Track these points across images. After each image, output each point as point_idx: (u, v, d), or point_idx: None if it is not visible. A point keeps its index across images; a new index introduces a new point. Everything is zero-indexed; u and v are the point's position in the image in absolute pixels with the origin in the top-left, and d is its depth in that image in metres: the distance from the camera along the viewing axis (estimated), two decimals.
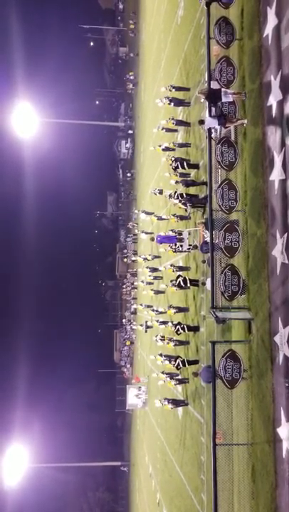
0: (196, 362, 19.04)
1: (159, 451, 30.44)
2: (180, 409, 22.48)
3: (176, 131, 25.50)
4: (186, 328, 19.72)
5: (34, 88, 66.68)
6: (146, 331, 36.91)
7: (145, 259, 36.83)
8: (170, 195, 21.32)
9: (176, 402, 22.22)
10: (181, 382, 21.80)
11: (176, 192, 20.60)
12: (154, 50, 39.84)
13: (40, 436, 61.04)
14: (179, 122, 23.44)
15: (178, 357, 20.82)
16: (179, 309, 22.16)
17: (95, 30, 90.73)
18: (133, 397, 41.67)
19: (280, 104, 10.72)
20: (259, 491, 11.04)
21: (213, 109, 13.03)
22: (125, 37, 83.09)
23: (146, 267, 35.31)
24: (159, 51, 35.46)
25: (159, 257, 32.54)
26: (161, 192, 29.66)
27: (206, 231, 14.82)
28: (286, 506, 9.65)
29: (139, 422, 49.54)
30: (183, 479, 21.12)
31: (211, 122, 12.88)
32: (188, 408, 20.74)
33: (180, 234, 21.48)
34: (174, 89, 23.82)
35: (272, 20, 11.20)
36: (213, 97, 12.89)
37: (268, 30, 11.40)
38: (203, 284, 17.97)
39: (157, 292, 32.23)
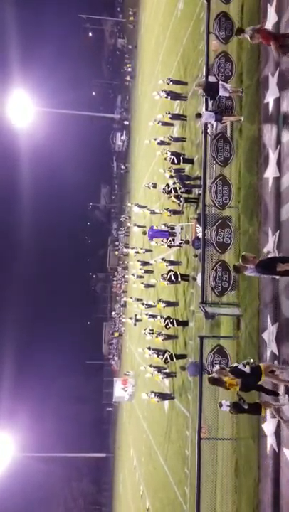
0: (183, 356, 19.13)
1: (144, 444, 30.59)
2: (166, 402, 22.60)
3: (172, 125, 25.44)
4: (175, 323, 19.78)
5: (30, 77, 66.12)
6: (135, 324, 36.98)
7: (136, 252, 36.83)
8: (163, 189, 21.32)
9: (162, 396, 22.34)
10: (168, 376, 21.90)
11: (168, 185, 20.60)
12: (152, 43, 39.62)
13: (25, 426, 61.01)
14: (175, 116, 23.38)
15: (166, 351, 20.91)
16: (169, 303, 22.22)
17: (93, 21, 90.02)
18: (120, 389, 41.80)
19: (277, 101, 10.70)
20: (242, 485, 11.15)
21: (210, 102, 13.00)
22: (124, 28, 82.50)
23: (138, 261, 35.31)
24: (158, 44, 35.27)
25: (150, 250, 32.55)
26: (155, 186, 29.62)
27: (199, 226, 14.84)
28: (268, 501, 9.75)
29: (125, 415, 49.74)
30: (167, 472, 21.26)
31: (208, 117, 12.85)
32: (174, 402, 20.85)
33: (172, 228, 21.49)
34: (171, 83, 23.72)
35: (272, 17, 11.16)
36: (210, 90, 12.85)
37: (268, 27, 11.35)
38: (194, 279, 18.03)
39: (147, 286, 32.28)
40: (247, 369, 9.39)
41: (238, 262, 9.34)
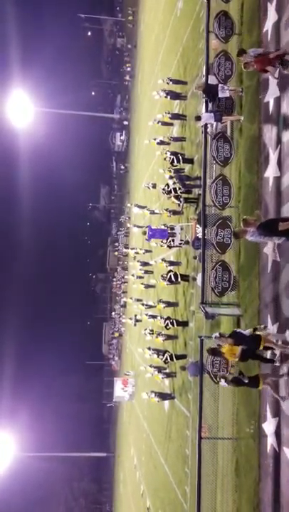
0: (183, 356, 19.12)
1: (144, 443, 30.60)
2: (166, 402, 22.59)
3: (171, 124, 25.42)
4: (175, 323, 19.78)
5: (30, 77, 66.12)
6: (135, 325, 36.97)
7: (136, 253, 36.80)
8: (163, 189, 21.30)
9: (162, 396, 22.33)
10: (168, 375, 21.90)
11: (168, 186, 20.58)
12: (152, 42, 39.60)
13: (26, 426, 61.06)
14: (175, 116, 23.36)
15: (166, 351, 20.91)
16: (169, 304, 22.21)
17: (93, 20, 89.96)
18: (120, 389, 41.80)
19: (277, 101, 10.70)
20: (242, 484, 11.15)
21: (209, 104, 12.99)
22: (123, 28, 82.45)
23: (137, 261, 35.29)
24: (157, 43, 35.26)
25: (150, 251, 32.54)
26: (154, 186, 29.61)
27: (199, 226, 14.82)
28: (268, 500, 9.75)
29: (125, 414, 49.75)
30: (167, 471, 21.27)
31: (208, 118, 12.84)
32: (174, 402, 20.85)
33: (172, 229, 21.47)
34: (171, 82, 23.70)
35: (272, 16, 11.16)
36: (209, 92, 12.85)
37: (268, 26, 11.37)
38: (194, 279, 18.02)
39: (147, 286, 32.27)
40: (247, 332, 9.50)
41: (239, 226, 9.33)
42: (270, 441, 9.86)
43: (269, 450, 9.92)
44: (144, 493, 28.74)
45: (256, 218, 9.19)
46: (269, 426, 9.98)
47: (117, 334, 61.85)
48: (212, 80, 13.03)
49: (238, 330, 9.76)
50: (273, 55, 10.05)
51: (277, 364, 9.69)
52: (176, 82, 23.25)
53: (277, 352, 9.63)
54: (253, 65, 10.39)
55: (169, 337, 21.58)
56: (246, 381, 9.85)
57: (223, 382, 10.48)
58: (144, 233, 27.02)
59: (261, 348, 9.42)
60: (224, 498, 11.75)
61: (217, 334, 10.30)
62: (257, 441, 10.53)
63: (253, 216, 9.44)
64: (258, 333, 9.52)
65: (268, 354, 9.96)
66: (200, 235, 13.75)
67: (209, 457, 11.98)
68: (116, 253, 66.87)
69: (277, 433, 9.65)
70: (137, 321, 35.92)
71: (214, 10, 13.56)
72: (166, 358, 20.37)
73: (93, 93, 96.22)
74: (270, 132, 11.04)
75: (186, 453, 17.64)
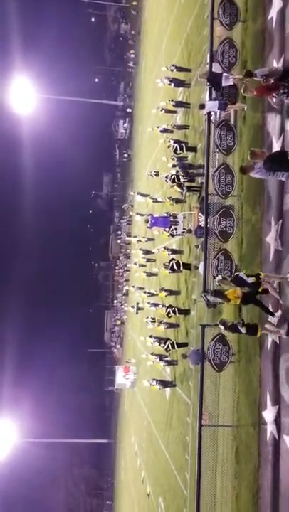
0: (185, 344, 19.22)
1: (145, 430, 30.88)
2: (168, 390, 22.75)
3: (175, 112, 25.26)
4: (176, 311, 19.85)
5: (32, 63, 65.45)
6: (137, 313, 37.09)
7: (139, 241, 36.79)
8: (166, 177, 21.24)
9: (164, 383, 22.48)
10: (169, 363, 22.04)
11: (172, 175, 20.52)
12: (156, 29, 39.18)
13: (28, 412, 61.60)
14: (179, 104, 23.20)
15: (167, 339, 21.00)
16: (171, 292, 22.26)
17: (96, 6, 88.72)
18: (121, 377, 42.07)
19: None
20: (242, 471, 11.28)
21: (213, 92, 12.90)
22: (127, 14, 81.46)
23: (140, 249, 35.30)
24: (161, 30, 34.88)
25: (152, 239, 32.53)
26: (157, 174, 29.50)
27: (202, 215, 14.81)
28: (268, 487, 9.87)
29: (126, 402, 50.14)
30: (168, 458, 21.49)
31: (212, 106, 12.76)
32: (175, 389, 21.00)
33: (175, 217, 21.45)
34: (175, 69, 23.48)
35: (277, 3, 11.03)
36: (214, 80, 12.75)
37: (273, 13, 11.24)
38: (196, 267, 18.04)
39: (150, 274, 32.32)
40: (249, 280, 9.68)
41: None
42: (270, 429, 9.96)
43: (269, 438, 10.02)
44: (145, 479, 29.08)
45: (264, 150, 9.09)
46: (269, 414, 10.07)
47: (119, 322, 62.09)
48: (216, 67, 12.93)
49: (241, 275, 9.88)
50: (273, 86, 9.84)
51: (278, 316, 9.80)
52: (180, 69, 23.04)
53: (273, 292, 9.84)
54: (253, 92, 10.31)
55: (170, 325, 21.67)
56: (243, 331, 10.10)
57: (221, 327, 10.66)
58: (147, 221, 27.01)
59: (260, 289, 9.64)
60: (224, 484, 11.89)
61: (220, 277, 10.47)
62: (257, 428, 10.63)
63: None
64: (260, 276, 9.74)
65: (270, 306, 10.17)
66: (202, 224, 13.75)
67: (209, 444, 12.11)
68: (118, 241, 66.85)
69: (277, 421, 9.74)
70: (138, 309, 36.03)
71: None
72: (168, 346, 20.47)
73: (96, 80, 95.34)
74: (273, 121, 10.97)
75: (186, 440, 17.81)
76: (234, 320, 11.01)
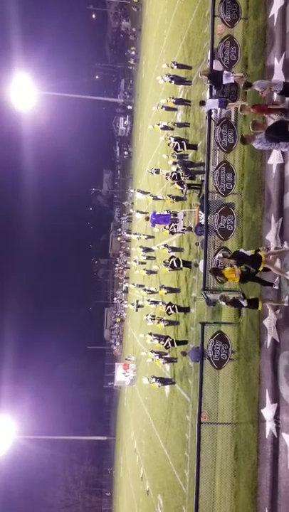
0: (184, 342, 19.24)
1: (144, 427, 30.94)
2: (167, 387, 22.79)
3: (175, 110, 25.22)
4: (176, 309, 19.85)
5: (33, 60, 65.39)
6: (137, 310, 37.13)
7: (139, 238, 36.80)
8: (167, 175, 21.20)
9: (163, 381, 22.51)
10: (169, 361, 22.05)
11: (172, 172, 20.49)
12: (157, 26, 39.08)
13: (27, 409, 61.72)
14: (179, 101, 23.14)
15: (167, 337, 21.03)
16: (171, 290, 22.27)
17: (97, 3, 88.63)
18: (121, 374, 42.09)
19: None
20: (241, 469, 11.30)
21: (214, 90, 12.87)
22: (128, 11, 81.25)
23: (140, 247, 35.30)
24: (162, 27, 34.79)
25: (152, 237, 32.52)
26: (158, 171, 29.47)
27: (202, 213, 14.79)
28: (266, 484, 9.89)
29: (126, 399, 50.20)
30: (167, 455, 21.53)
31: (212, 104, 12.73)
32: (175, 387, 21.03)
33: (175, 215, 21.44)
34: (176, 66, 23.41)
35: (278, 1, 11.01)
36: (215, 78, 12.72)
37: (274, 10, 11.21)
38: (196, 265, 18.04)
39: (150, 272, 32.32)
40: (248, 252, 9.71)
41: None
42: (269, 426, 9.97)
43: (268, 435, 10.03)
44: (144, 476, 29.14)
45: (265, 122, 9.08)
46: (268, 411, 10.08)
47: (118, 319, 62.14)
48: (217, 65, 12.90)
49: (240, 250, 9.89)
50: (272, 108, 9.83)
51: (276, 287, 9.80)
52: (181, 66, 22.97)
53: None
54: (250, 110, 10.29)
55: (170, 323, 21.69)
56: (245, 304, 10.16)
57: (222, 302, 10.71)
58: (148, 219, 27.02)
59: (261, 269, 9.62)
60: (223, 482, 11.92)
61: (220, 255, 10.47)
62: (256, 426, 10.65)
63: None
64: (259, 253, 9.71)
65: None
66: (203, 222, 13.74)
67: (209, 442, 12.13)
68: (118, 238, 66.83)
69: (276, 419, 9.75)
70: (138, 306, 36.06)
71: None
72: (168, 344, 20.50)
73: (97, 77, 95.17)
74: (274, 119, 10.93)
75: (185, 437, 17.84)
76: (235, 295, 11.02)
